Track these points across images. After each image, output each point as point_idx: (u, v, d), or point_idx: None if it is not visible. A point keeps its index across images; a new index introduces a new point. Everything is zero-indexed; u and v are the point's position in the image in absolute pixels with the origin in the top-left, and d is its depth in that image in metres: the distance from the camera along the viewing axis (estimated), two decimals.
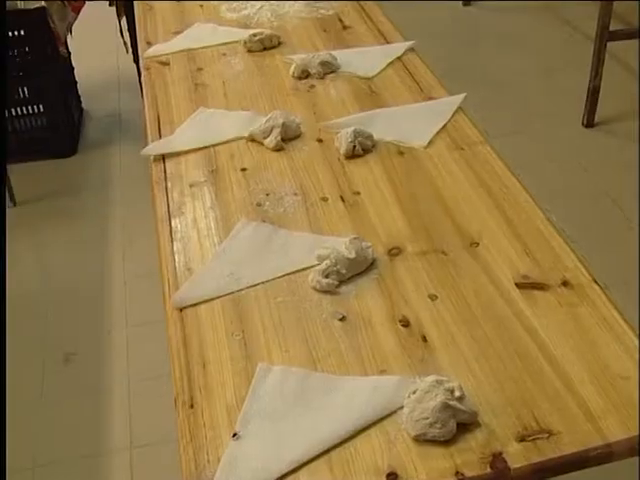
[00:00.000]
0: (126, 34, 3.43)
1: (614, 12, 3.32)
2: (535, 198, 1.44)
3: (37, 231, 3.07)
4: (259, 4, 2.25)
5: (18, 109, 3.44)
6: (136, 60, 3.36)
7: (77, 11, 3.61)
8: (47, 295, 2.75)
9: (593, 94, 3.46)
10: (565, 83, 3.82)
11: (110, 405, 2.31)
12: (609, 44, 3.36)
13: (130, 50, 3.48)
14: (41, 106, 3.45)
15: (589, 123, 3.51)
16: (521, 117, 3.61)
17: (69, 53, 3.66)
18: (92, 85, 4.00)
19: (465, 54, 4.18)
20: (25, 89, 3.41)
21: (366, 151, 1.58)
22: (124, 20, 3.44)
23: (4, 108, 3.29)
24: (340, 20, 2.15)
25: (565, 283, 1.25)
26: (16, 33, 3.27)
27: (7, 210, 3.10)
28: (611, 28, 3.35)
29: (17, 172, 3.27)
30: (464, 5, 4.67)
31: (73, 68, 3.75)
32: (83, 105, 3.85)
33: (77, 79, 3.79)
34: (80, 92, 3.83)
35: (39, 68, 3.32)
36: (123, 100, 3.90)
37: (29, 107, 3.46)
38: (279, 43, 2.02)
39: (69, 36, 3.58)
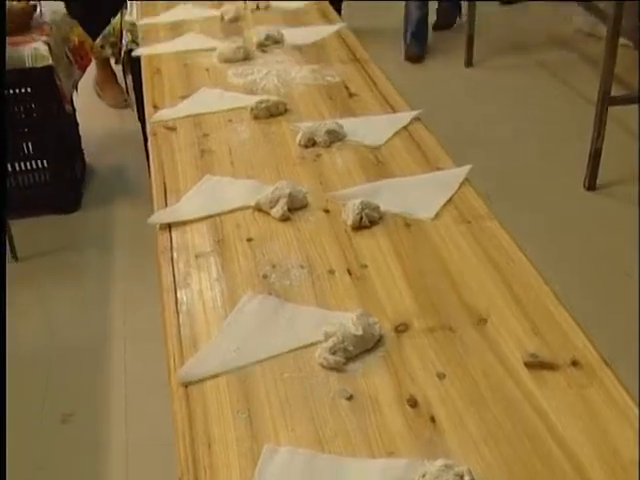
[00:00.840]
0: (132, 92, 3.45)
1: (615, 75, 3.35)
2: (540, 270, 1.43)
3: (39, 287, 3.06)
4: (265, 70, 2.26)
5: (22, 164, 3.46)
6: (140, 118, 3.38)
7: (83, 69, 3.65)
8: (48, 352, 2.74)
9: (595, 157, 3.48)
10: (567, 146, 3.84)
11: (108, 469, 2.29)
12: (610, 108, 3.39)
13: (135, 108, 3.50)
14: (45, 161, 3.47)
15: (591, 186, 3.52)
16: (523, 180, 3.63)
17: (74, 109, 3.68)
18: (96, 141, 4.02)
19: (467, 116, 4.21)
20: (29, 144, 3.43)
21: (373, 223, 1.57)
22: (130, 78, 3.47)
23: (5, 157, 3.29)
24: (346, 87, 2.16)
25: (574, 363, 1.23)
26: (22, 90, 3.29)
27: (9, 265, 3.10)
28: (613, 92, 3.39)
29: (19, 227, 3.27)
30: (466, 67, 4.71)
31: (77, 124, 3.78)
32: (87, 160, 3.87)
33: (81, 134, 3.81)
34: (84, 147, 3.85)
35: (44, 125, 3.34)
36: (127, 156, 3.91)
37: (33, 162, 3.47)
38: (285, 110, 2.03)
39: (74, 93, 3.61)
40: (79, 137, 3.78)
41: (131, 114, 3.67)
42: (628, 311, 2.76)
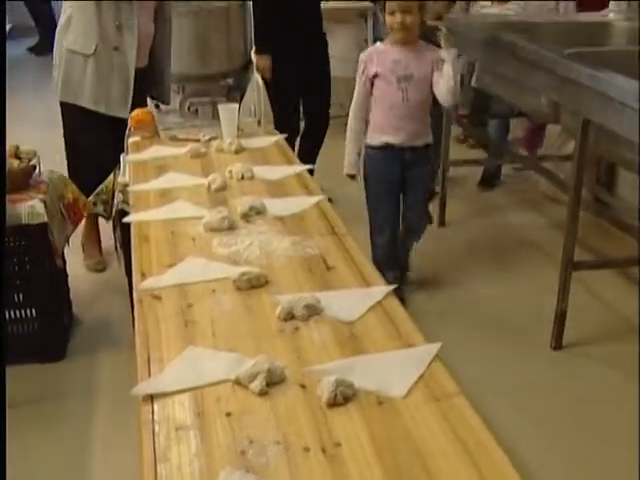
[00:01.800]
0: (120, 249, 3.50)
1: (580, 239, 3.45)
2: (510, 433, 1.45)
3: (22, 436, 3.02)
4: (249, 240, 2.31)
5: (12, 313, 3.46)
6: (127, 273, 3.41)
7: (76, 224, 3.71)
8: None
9: (560, 318, 3.54)
10: (535, 305, 3.89)
11: None
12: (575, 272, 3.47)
13: (122, 263, 3.54)
14: (34, 311, 3.47)
15: (557, 346, 3.56)
16: (490, 339, 3.66)
17: (64, 262, 3.72)
18: (84, 292, 4.05)
19: (438, 277, 4.28)
20: (20, 295, 3.45)
21: (347, 400, 1.59)
22: (119, 235, 3.52)
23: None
24: (324, 260, 2.21)
25: None
26: (17, 244, 3.33)
27: None
28: (578, 256, 3.47)
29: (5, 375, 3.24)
30: (439, 227, 4.82)
31: (67, 276, 3.81)
32: (74, 310, 3.88)
33: (70, 286, 3.83)
34: (72, 297, 3.86)
35: (35, 277, 3.38)
36: (113, 307, 3.93)
37: (22, 312, 3.48)
38: (266, 282, 2.07)
39: (66, 247, 3.66)
40: (68, 288, 3.80)
41: (117, 267, 3.72)
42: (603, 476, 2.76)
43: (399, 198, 3.84)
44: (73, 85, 3.96)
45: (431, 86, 3.59)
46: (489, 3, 5.02)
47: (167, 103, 4.50)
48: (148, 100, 4.41)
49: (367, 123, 3.73)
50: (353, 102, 3.73)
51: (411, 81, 3.56)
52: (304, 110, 4.86)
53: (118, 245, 3.51)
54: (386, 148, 3.69)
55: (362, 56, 3.68)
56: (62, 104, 4.06)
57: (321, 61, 4.80)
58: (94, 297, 4.08)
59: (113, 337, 3.71)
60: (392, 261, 3.88)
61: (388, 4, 3.54)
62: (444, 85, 3.52)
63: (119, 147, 3.62)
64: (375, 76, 3.61)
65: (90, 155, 3.93)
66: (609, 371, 3.36)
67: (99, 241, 4.38)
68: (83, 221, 3.89)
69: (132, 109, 3.80)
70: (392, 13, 3.52)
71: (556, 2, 4.86)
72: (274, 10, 4.53)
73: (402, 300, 2.11)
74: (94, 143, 3.94)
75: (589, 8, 4.66)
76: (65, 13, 3.98)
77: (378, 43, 3.75)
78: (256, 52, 4.75)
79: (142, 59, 4.05)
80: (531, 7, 4.81)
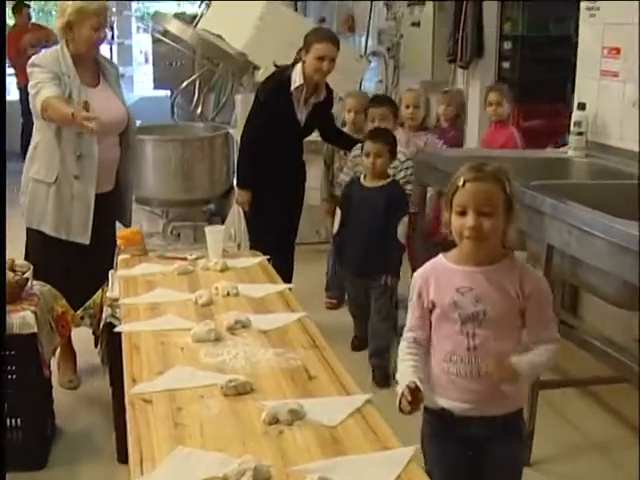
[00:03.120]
0: (105, 364, 3.54)
1: None
2: None
3: None
4: (234, 351, 2.40)
5: None
6: (112, 384, 3.44)
7: (63, 336, 3.76)
8: None
9: (529, 438, 3.58)
10: None
11: None
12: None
13: (107, 375, 3.57)
14: (19, 420, 3.48)
15: (526, 464, 3.59)
16: None
17: (50, 373, 3.75)
18: (67, 402, 4.05)
19: None
20: (6, 404, 3.45)
21: None
22: (105, 348, 3.57)
23: None
24: (306, 370, 2.29)
25: None
26: (7, 352, 3.36)
27: None
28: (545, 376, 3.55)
29: None
30: None
31: (52, 386, 3.83)
32: (57, 421, 3.88)
33: (54, 397, 3.85)
34: (55, 408, 3.87)
35: (22, 387, 3.40)
36: (94, 420, 3.93)
37: (7, 421, 3.47)
38: (252, 389, 2.14)
39: (53, 358, 3.69)
40: (52, 399, 3.82)
41: (102, 380, 3.75)
42: None
43: None
44: (37, 212, 3.99)
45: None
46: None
47: (127, 225, 4.35)
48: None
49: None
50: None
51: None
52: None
53: (105, 357, 3.55)
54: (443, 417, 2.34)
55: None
56: (28, 230, 4.10)
57: (298, 198, 4.84)
58: (76, 408, 4.08)
59: (94, 448, 3.70)
60: None
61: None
62: None
63: (84, 271, 3.79)
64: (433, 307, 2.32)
65: (54, 278, 3.90)
66: None
67: (74, 359, 4.37)
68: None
69: (101, 232, 3.93)
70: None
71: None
72: (258, 148, 4.58)
73: None
74: (56, 268, 3.96)
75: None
76: (33, 140, 4.04)
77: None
78: (237, 186, 4.82)
79: (107, 183, 4.08)
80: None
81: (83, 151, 3.88)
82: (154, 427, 1.96)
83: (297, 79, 4.44)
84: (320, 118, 4.69)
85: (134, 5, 12.02)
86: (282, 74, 4.55)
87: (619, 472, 3.49)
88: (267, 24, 6.51)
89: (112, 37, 10.38)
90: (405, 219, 4.16)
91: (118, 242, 3.61)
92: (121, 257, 3.47)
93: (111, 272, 3.43)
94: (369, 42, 8.12)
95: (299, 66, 4.45)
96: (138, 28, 11.57)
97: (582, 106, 4.37)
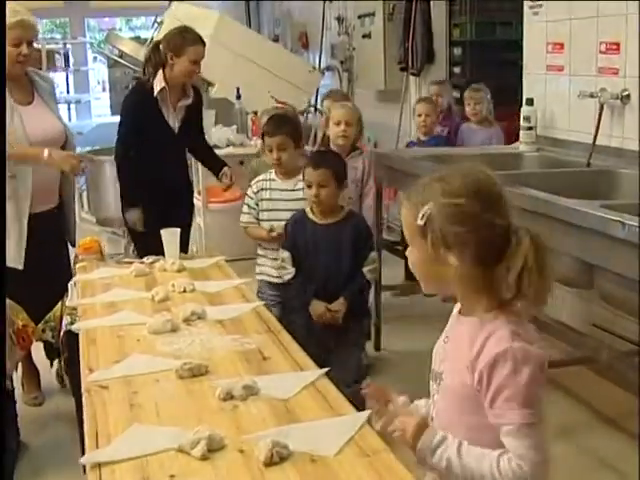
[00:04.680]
0: (65, 372, 3.52)
1: None
2: None
3: None
4: (190, 339, 2.42)
5: None
6: (75, 394, 3.43)
7: (24, 349, 3.74)
8: None
9: None
10: None
11: None
12: None
13: (69, 385, 3.56)
14: None
15: None
16: None
17: (13, 388, 3.73)
18: (32, 417, 4.03)
19: None
20: None
21: (283, 459, 1.67)
22: (65, 357, 3.56)
23: None
24: (261, 352, 2.32)
25: None
26: None
27: None
28: None
29: None
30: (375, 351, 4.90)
31: (15, 402, 3.80)
32: (21, 437, 3.85)
33: (17, 412, 3.82)
34: (20, 424, 3.84)
35: None
36: (59, 434, 3.91)
37: None
38: (207, 371, 2.16)
39: (14, 373, 3.68)
40: (16, 415, 3.79)
41: (62, 395, 3.73)
42: None
43: None
44: None
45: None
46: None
47: (72, 242, 4.21)
48: None
49: None
50: None
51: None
52: None
53: (65, 366, 3.55)
54: None
55: None
56: None
57: (186, 207, 4.67)
58: (42, 425, 4.06)
59: (59, 462, 3.68)
60: None
61: None
62: None
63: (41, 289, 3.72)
64: None
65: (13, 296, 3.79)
66: None
67: (37, 376, 4.34)
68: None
69: (49, 249, 3.86)
70: None
71: None
72: (135, 163, 4.39)
73: None
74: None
75: None
76: None
77: None
78: (124, 208, 4.54)
79: (48, 201, 3.99)
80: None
81: (15, 171, 3.75)
82: (110, 409, 1.97)
83: (158, 84, 4.27)
84: (190, 124, 4.45)
85: (88, 34, 12.08)
86: (142, 85, 4.41)
87: (584, 457, 3.53)
88: (220, 41, 6.57)
89: (67, 64, 10.34)
90: (373, 256, 3.39)
91: (77, 251, 3.61)
92: (79, 265, 3.48)
93: (70, 283, 3.43)
94: (323, 57, 8.21)
95: (160, 71, 4.28)
96: (95, 58, 11.58)
97: (530, 101, 4.46)
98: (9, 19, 3.68)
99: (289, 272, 3.34)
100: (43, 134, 3.83)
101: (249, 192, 3.80)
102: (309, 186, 3.28)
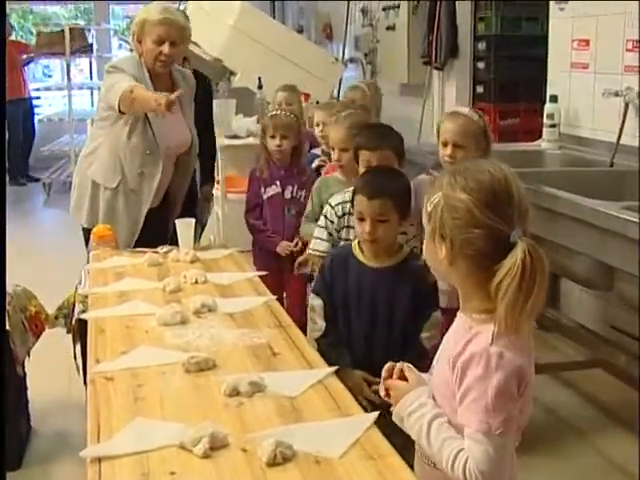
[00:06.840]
0: (79, 358, 3.51)
1: None
2: None
3: None
4: (199, 332, 2.39)
5: None
6: (86, 383, 3.42)
7: (37, 336, 3.73)
8: None
9: None
10: None
11: None
12: None
13: (81, 373, 3.55)
14: None
15: None
16: None
17: (25, 374, 3.72)
18: (43, 405, 4.02)
19: None
20: None
21: (286, 460, 1.64)
22: (79, 346, 3.55)
23: None
24: (270, 347, 2.28)
25: None
26: None
27: None
28: None
29: None
30: None
31: (27, 388, 3.80)
32: (32, 423, 3.85)
33: (29, 398, 3.82)
34: (30, 411, 3.84)
35: None
36: (71, 421, 3.90)
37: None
38: (214, 365, 2.13)
39: (27, 359, 3.67)
40: (27, 400, 3.79)
41: (78, 381, 3.71)
42: None
43: None
44: (87, 210, 3.85)
45: None
46: None
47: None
48: None
49: None
50: None
51: None
52: None
53: (77, 355, 3.53)
54: None
55: None
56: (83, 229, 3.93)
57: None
58: (53, 412, 4.05)
59: (69, 449, 3.66)
60: None
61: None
62: None
63: None
64: None
65: None
66: None
67: None
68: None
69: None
70: None
71: None
72: None
73: None
74: None
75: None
76: (94, 141, 3.85)
77: None
78: None
79: (156, 199, 3.89)
80: None
81: (145, 170, 3.75)
82: (114, 401, 1.95)
83: None
84: (198, 119, 4.06)
85: (112, 21, 12.09)
86: None
87: (598, 458, 3.48)
88: (243, 30, 6.53)
89: (91, 50, 10.31)
90: (436, 317, 2.51)
91: (91, 238, 3.59)
92: (93, 252, 3.46)
93: (83, 269, 3.40)
94: (347, 49, 8.14)
95: None
96: (120, 45, 11.59)
97: (554, 98, 4.40)
98: (154, 16, 3.61)
99: (319, 328, 2.55)
100: (167, 142, 3.75)
101: (328, 214, 2.99)
102: (360, 219, 2.46)
